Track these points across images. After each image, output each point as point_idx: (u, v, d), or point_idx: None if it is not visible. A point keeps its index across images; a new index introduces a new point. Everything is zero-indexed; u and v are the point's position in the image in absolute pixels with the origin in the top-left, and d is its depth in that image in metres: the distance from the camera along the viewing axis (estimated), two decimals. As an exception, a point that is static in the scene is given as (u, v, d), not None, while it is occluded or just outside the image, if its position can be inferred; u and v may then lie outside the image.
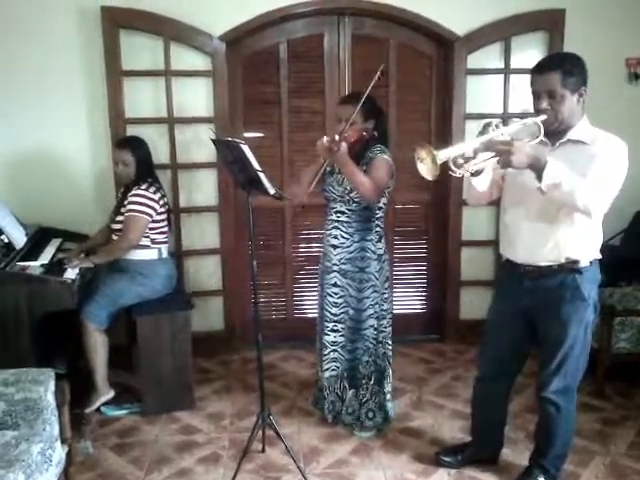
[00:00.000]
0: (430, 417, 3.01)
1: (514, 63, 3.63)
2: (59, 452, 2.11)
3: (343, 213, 2.71)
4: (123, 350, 3.42)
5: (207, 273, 3.75)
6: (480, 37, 3.57)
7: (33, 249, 3.01)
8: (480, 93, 3.68)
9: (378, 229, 2.74)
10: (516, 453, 2.66)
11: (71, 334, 3.01)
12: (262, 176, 2.21)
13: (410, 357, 3.71)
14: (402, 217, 3.87)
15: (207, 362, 3.60)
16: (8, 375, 2.17)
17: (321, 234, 3.77)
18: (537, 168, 1.92)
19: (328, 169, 2.73)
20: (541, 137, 2.00)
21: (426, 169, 1.92)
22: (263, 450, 2.68)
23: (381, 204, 2.71)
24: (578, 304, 2.15)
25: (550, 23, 3.57)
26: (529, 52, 3.63)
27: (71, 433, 2.28)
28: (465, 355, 3.75)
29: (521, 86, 3.66)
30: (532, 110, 3.56)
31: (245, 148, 2.17)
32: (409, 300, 4.02)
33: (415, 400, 3.18)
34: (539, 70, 2.03)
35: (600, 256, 2.17)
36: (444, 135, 3.74)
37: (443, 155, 1.90)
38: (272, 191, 2.26)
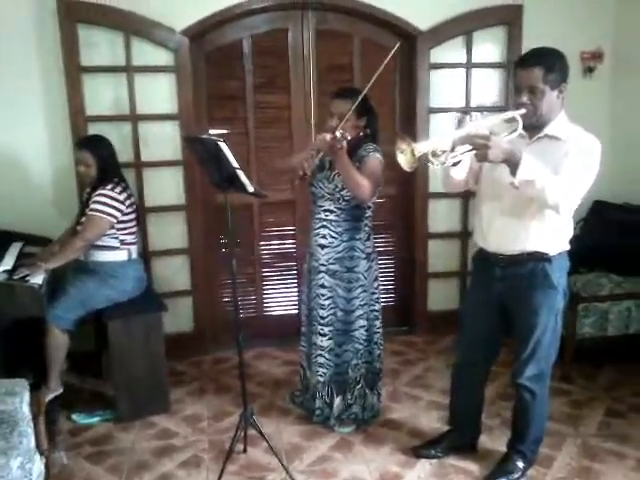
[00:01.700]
0: (407, 409, 3.05)
1: (475, 57, 3.70)
2: (38, 465, 2.04)
3: (332, 212, 2.65)
4: (89, 356, 3.34)
5: (175, 273, 3.67)
6: (442, 32, 3.61)
7: (-6, 254, 2.88)
8: (443, 87, 3.73)
9: (367, 228, 2.71)
10: (493, 439, 2.73)
11: (37, 341, 2.89)
12: (240, 174, 2.17)
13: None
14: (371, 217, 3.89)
15: (178, 364, 3.53)
16: (-20, 388, 2.07)
17: (290, 230, 3.83)
18: (512, 163, 1.96)
19: (317, 163, 2.59)
20: (519, 130, 2.04)
21: (405, 160, 1.95)
22: (245, 450, 2.66)
23: (370, 203, 2.67)
24: (548, 291, 2.22)
25: (509, 18, 3.66)
26: (490, 46, 3.72)
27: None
28: (435, 346, 3.81)
29: (482, 80, 3.76)
30: (487, 104, 3.70)
31: (223, 146, 2.13)
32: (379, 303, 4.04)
33: (391, 392, 3.21)
34: (521, 64, 2.06)
35: (569, 247, 2.24)
36: (409, 129, 3.76)
37: (422, 147, 1.94)
38: (251, 189, 2.22)
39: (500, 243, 2.22)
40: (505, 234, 2.20)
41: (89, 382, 3.28)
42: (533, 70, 2.02)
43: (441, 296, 4.00)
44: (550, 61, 2.03)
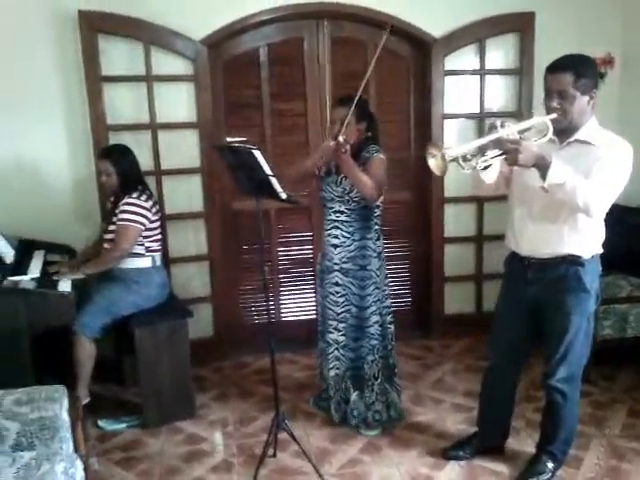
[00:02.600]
0: (431, 412, 3.07)
1: (488, 64, 3.75)
2: (80, 470, 2.05)
3: (342, 213, 2.74)
4: (109, 363, 3.35)
5: (195, 280, 3.70)
6: (456, 39, 3.66)
7: (20, 263, 2.90)
8: (457, 93, 3.78)
9: (376, 227, 2.80)
10: (519, 441, 2.75)
11: (64, 348, 2.91)
12: (274, 181, 2.20)
13: (399, 354, 3.71)
14: (385, 216, 3.88)
15: (200, 370, 3.54)
16: (20, 394, 2.09)
17: (307, 236, 3.86)
18: (542, 167, 1.99)
19: (324, 169, 2.78)
20: (549, 135, 2.07)
21: (436, 165, 1.97)
22: (274, 455, 2.67)
23: (379, 202, 2.76)
24: (581, 295, 2.25)
25: (521, 25, 3.71)
26: (502, 53, 3.77)
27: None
28: (452, 349, 3.84)
29: (495, 86, 3.81)
30: (500, 110, 3.74)
31: (257, 153, 2.16)
32: (393, 297, 4.04)
33: (414, 396, 3.24)
34: (552, 70, 2.10)
35: (602, 250, 2.28)
36: (423, 135, 3.82)
37: (452, 152, 1.96)
38: (284, 195, 2.25)
39: (532, 247, 2.26)
40: (537, 238, 2.23)
41: (112, 389, 3.31)
42: (564, 75, 2.05)
43: (457, 300, 4.03)
44: (581, 67, 2.07)
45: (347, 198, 2.71)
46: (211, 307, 3.75)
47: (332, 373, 2.88)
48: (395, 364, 2.92)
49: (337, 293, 2.81)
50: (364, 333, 2.81)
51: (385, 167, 2.71)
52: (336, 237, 2.77)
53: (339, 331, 2.83)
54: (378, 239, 2.80)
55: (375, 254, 2.77)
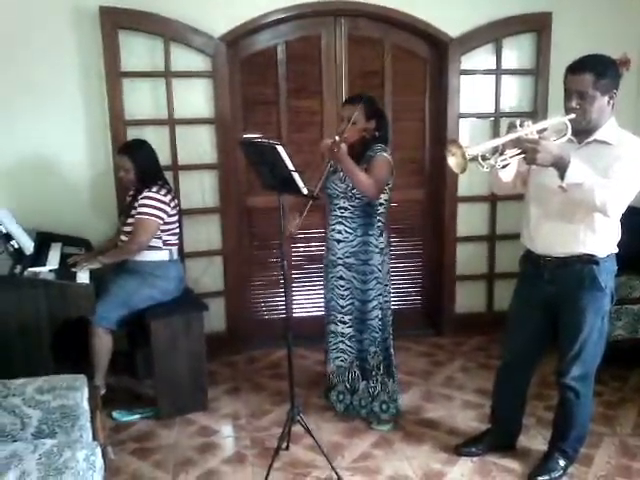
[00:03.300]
0: (442, 408, 3.10)
1: (505, 64, 3.76)
2: (99, 458, 2.08)
3: (346, 209, 2.78)
4: (122, 355, 3.38)
5: (208, 274, 3.73)
6: (473, 39, 3.68)
7: (39, 255, 2.94)
8: (473, 93, 3.79)
9: (379, 224, 2.83)
10: (530, 438, 2.77)
11: (82, 339, 2.95)
12: (296, 176, 2.23)
13: (411, 351, 3.79)
14: (398, 215, 3.93)
15: (212, 364, 3.55)
16: (41, 382, 2.12)
17: (319, 233, 3.88)
18: (560, 167, 2.01)
19: (332, 168, 2.83)
20: (568, 135, 2.09)
21: (455, 163, 1.98)
22: (287, 448, 2.70)
23: (382, 200, 2.79)
24: (596, 294, 2.26)
25: (538, 25, 3.72)
26: (519, 53, 3.78)
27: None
28: (463, 347, 3.86)
29: (511, 86, 3.82)
30: (516, 110, 3.74)
31: (280, 149, 2.19)
32: (405, 296, 4.10)
33: (424, 392, 3.26)
34: (572, 70, 2.11)
35: (617, 250, 2.29)
36: (438, 135, 3.84)
37: (472, 151, 1.97)
38: (305, 191, 2.28)
39: (548, 246, 2.27)
40: (553, 237, 2.25)
41: (125, 381, 3.35)
42: (584, 76, 2.07)
43: (468, 299, 4.05)
44: (601, 67, 2.08)
45: (350, 195, 2.75)
46: (224, 302, 3.78)
47: (336, 363, 2.93)
48: (394, 357, 2.95)
49: (342, 287, 2.87)
50: (366, 325, 2.86)
51: (389, 166, 2.74)
52: (339, 232, 2.82)
53: (345, 323, 2.89)
54: (381, 235, 2.84)
55: (377, 249, 2.81)
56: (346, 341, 2.90)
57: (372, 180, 2.62)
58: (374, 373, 2.88)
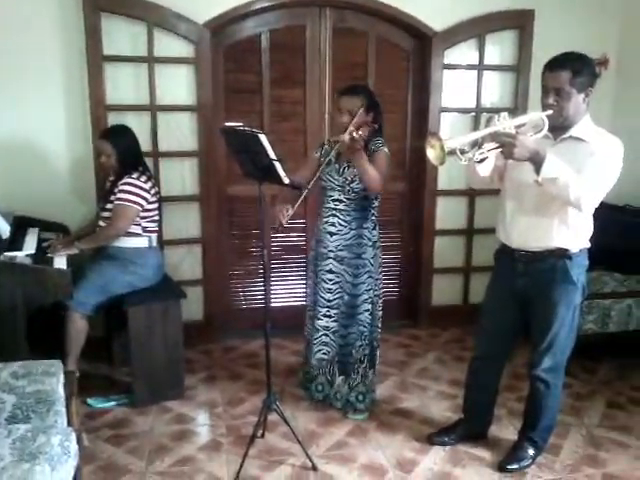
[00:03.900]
0: (417, 398, 3.14)
1: (487, 59, 3.79)
2: (74, 443, 2.08)
3: (341, 202, 2.78)
4: (98, 342, 3.36)
5: (186, 263, 3.73)
6: (456, 34, 3.70)
7: (15, 239, 2.90)
8: (455, 87, 3.82)
9: (373, 217, 2.84)
10: (501, 428, 2.83)
11: (56, 323, 2.93)
12: (277, 166, 2.23)
13: (388, 342, 3.83)
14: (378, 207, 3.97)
15: (189, 352, 3.55)
16: (17, 367, 2.12)
17: (299, 223, 3.89)
18: (536, 162, 2.05)
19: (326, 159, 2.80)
20: (545, 131, 2.13)
21: (434, 155, 2.00)
22: (263, 435, 2.73)
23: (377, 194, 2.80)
24: (567, 287, 2.32)
25: (520, 22, 3.76)
26: (501, 49, 3.82)
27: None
28: (439, 339, 3.92)
29: (493, 81, 3.86)
30: (497, 105, 3.79)
31: (262, 137, 2.19)
32: (383, 287, 4.12)
33: (400, 383, 3.31)
34: (550, 67, 2.15)
35: (589, 245, 2.34)
36: (420, 128, 3.87)
37: (451, 143, 2.00)
38: (286, 180, 2.29)
39: (523, 240, 2.32)
40: (528, 231, 2.30)
41: (101, 367, 3.34)
42: (561, 73, 2.11)
43: (445, 291, 4.11)
44: (578, 65, 2.12)
45: (348, 188, 2.74)
46: (202, 290, 3.78)
47: (318, 356, 2.94)
48: (378, 347, 2.98)
49: (330, 280, 2.85)
50: (354, 320, 2.86)
51: (389, 161, 2.76)
52: (333, 225, 2.80)
53: (330, 317, 2.89)
54: (374, 228, 2.85)
55: (370, 243, 2.82)
56: (330, 335, 2.90)
57: (380, 176, 2.62)
58: (356, 366, 2.90)
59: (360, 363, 2.91)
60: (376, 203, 2.83)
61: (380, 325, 2.98)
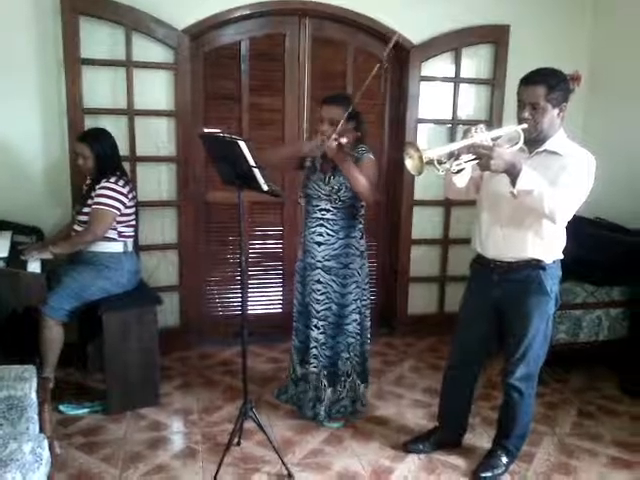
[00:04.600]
0: (392, 406, 3.16)
1: (463, 72, 3.86)
2: (46, 451, 2.05)
3: (328, 211, 2.76)
4: (72, 348, 3.31)
5: (162, 269, 3.70)
6: (433, 47, 3.77)
7: (-14, 242, 2.86)
8: (431, 99, 3.88)
9: (361, 226, 2.85)
10: (475, 436, 2.86)
11: (29, 329, 2.88)
12: (257, 172, 2.24)
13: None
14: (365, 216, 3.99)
15: (164, 358, 3.53)
16: (-12, 373, 2.08)
17: (277, 231, 3.90)
18: (512, 174, 2.09)
19: (307, 165, 2.83)
20: (520, 144, 2.18)
21: (412, 165, 2.04)
22: (239, 443, 2.71)
23: (363, 202, 2.80)
24: (541, 298, 2.36)
25: (496, 37, 3.84)
26: (477, 63, 3.89)
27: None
28: (415, 347, 3.95)
29: (469, 94, 3.93)
30: (472, 118, 3.85)
31: (242, 144, 2.19)
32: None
33: (376, 391, 3.31)
34: (526, 82, 2.20)
35: (562, 256, 2.40)
36: (397, 138, 3.92)
37: (429, 154, 2.03)
38: (265, 187, 2.29)
39: (498, 251, 2.36)
40: (503, 242, 2.34)
41: (74, 374, 3.29)
42: (536, 88, 2.16)
43: (421, 300, 4.15)
44: (553, 81, 2.17)
45: (335, 197, 2.73)
46: (178, 297, 3.75)
47: (311, 369, 2.90)
48: (367, 359, 2.98)
49: (318, 291, 2.83)
50: (342, 330, 2.86)
51: (377, 167, 2.76)
52: (320, 235, 2.79)
53: (318, 329, 2.86)
54: (362, 237, 2.85)
55: (358, 252, 2.82)
56: (318, 347, 2.87)
57: (370, 183, 2.62)
58: (343, 379, 2.90)
59: (347, 376, 2.90)
60: (362, 212, 2.83)
61: (370, 337, 2.98)
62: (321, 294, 2.83)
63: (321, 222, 2.78)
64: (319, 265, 2.81)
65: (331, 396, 2.91)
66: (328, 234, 2.78)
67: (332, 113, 2.65)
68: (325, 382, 2.89)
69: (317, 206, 2.78)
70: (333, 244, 2.78)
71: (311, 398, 2.93)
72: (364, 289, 2.88)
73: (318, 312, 2.84)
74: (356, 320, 2.86)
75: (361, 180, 2.58)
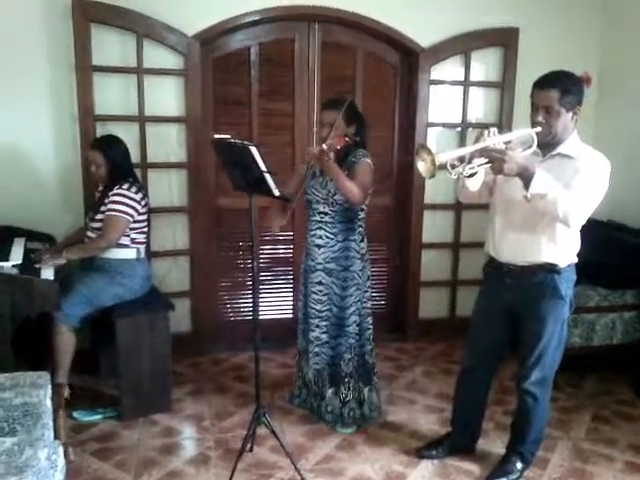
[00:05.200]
0: (404, 412, 3.14)
1: (472, 76, 3.85)
2: (61, 457, 2.05)
3: (326, 214, 2.80)
4: (84, 354, 3.32)
5: (174, 274, 3.71)
6: (443, 50, 3.76)
7: (2, 249, 2.87)
8: (441, 103, 3.87)
9: (360, 229, 2.86)
10: (489, 442, 2.84)
11: (43, 335, 2.89)
12: (268, 178, 2.24)
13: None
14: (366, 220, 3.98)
15: (176, 364, 3.53)
16: (4, 379, 2.09)
17: (287, 236, 3.90)
18: (525, 177, 2.08)
19: (311, 170, 2.84)
20: (534, 147, 2.17)
21: (425, 168, 2.02)
22: (251, 449, 2.70)
23: (363, 205, 2.82)
24: (555, 302, 2.35)
25: (505, 40, 3.83)
26: (487, 66, 3.88)
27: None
28: (426, 352, 3.93)
29: (478, 97, 3.92)
30: (482, 121, 3.84)
31: (254, 150, 2.20)
32: (371, 300, 4.13)
33: (388, 396, 3.30)
34: (539, 85, 2.19)
35: (577, 260, 2.38)
36: (407, 142, 3.91)
37: (442, 157, 2.03)
38: (276, 192, 2.29)
39: (511, 254, 2.34)
40: (516, 246, 2.32)
41: (87, 380, 3.28)
42: (550, 91, 2.15)
43: (432, 305, 4.13)
44: (567, 84, 2.16)
45: (331, 200, 2.77)
46: (189, 302, 3.76)
47: (313, 369, 2.94)
48: (374, 364, 2.99)
49: (320, 292, 2.87)
50: (343, 331, 2.88)
51: (372, 172, 2.77)
52: (320, 237, 2.82)
53: (320, 328, 2.90)
54: (362, 241, 2.86)
55: (358, 255, 2.84)
56: (321, 346, 2.91)
57: (359, 187, 2.63)
58: (346, 380, 2.90)
59: (350, 377, 2.91)
60: (362, 215, 2.85)
61: (372, 340, 2.98)
62: (323, 295, 2.86)
63: (320, 225, 2.82)
64: (320, 267, 2.85)
65: (333, 397, 2.92)
66: (327, 237, 2.81)
67: (329, 117, 2.70)
68: (327, 381, 2.92)
69: (316, 209, 2.83)
70: (332, 247, 2.81)
71: (315, 395, 2.98)
72: (365, 291, 2.90)
73: (320, 312, 2.88)
74: (356, 322, 2.88)
75: (347, 185, 2.60)
